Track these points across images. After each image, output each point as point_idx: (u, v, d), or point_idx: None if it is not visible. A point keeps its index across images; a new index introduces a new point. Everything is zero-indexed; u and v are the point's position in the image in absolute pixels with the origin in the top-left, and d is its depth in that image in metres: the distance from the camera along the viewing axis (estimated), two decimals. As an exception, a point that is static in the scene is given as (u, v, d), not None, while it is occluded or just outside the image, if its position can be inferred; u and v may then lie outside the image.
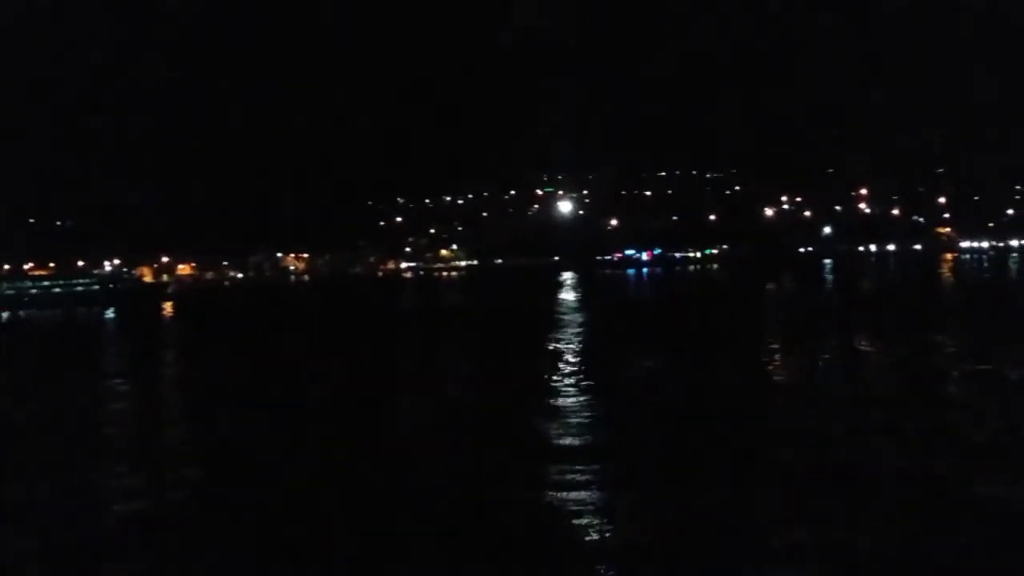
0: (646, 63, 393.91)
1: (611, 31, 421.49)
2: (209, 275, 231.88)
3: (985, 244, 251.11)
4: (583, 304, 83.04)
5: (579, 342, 45.43)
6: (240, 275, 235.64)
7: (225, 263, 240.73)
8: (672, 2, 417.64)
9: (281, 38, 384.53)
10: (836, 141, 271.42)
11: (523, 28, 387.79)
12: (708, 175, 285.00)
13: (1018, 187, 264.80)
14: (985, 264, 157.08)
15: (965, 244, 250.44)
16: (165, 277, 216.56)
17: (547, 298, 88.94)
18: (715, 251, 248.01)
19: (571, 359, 37.91)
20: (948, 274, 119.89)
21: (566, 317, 63.91)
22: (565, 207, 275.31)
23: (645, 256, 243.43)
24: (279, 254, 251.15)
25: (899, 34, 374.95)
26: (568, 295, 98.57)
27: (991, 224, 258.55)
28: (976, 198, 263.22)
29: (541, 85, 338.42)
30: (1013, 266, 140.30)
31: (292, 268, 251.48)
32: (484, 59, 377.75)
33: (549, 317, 62.45)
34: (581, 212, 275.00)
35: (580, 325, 57.52)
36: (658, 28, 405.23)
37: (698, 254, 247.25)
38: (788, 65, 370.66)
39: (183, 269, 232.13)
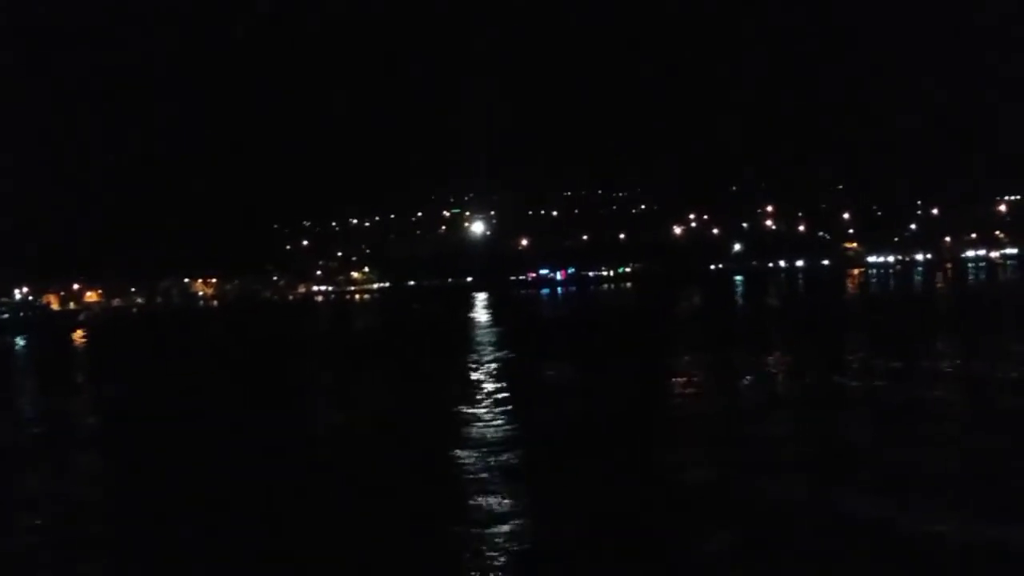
0: (548, 82, 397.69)
1: (512, 50, 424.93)
2: (116, 302, 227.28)
3: (891, 259, 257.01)
4: (498, 324, 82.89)
5: (497, 364, 45.08)
6: (147, 301, 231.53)
7: (133, 289, 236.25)
8: (574, 23, 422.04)
9: (185, 62, 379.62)
10: (739, 159, 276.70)
11: (428, 50, 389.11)
12: (613, 194, 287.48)
13: (920, 202, 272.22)
14: (891, 278, 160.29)
15: (872, 259, 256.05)
16: (72, 304, 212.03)
17: (464, 319, 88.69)
18: (628, 269, 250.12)
19: (488, 382, 37.47)
20: (853, 288, 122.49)
21: (484, 338, 63.76)
22: (476, 228, 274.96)
23: (560, 276, 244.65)
24: (187, 280, 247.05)
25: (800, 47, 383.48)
26: (484, 315, 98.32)
27: (896, 239, 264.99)
28: (880, 213, 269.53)
29: (445, 104, 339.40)
30: (916, 279, 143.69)
31: (201, 294, 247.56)
32: (386, 78, 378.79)
33: (466, 338, 62.28)
34: (489, 233, 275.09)
35: (497, 346, 57.10)
36: (559, 46, 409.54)
37: (611, 273, 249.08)
38: (688, 83, 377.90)
39: (90, 296, 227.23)
